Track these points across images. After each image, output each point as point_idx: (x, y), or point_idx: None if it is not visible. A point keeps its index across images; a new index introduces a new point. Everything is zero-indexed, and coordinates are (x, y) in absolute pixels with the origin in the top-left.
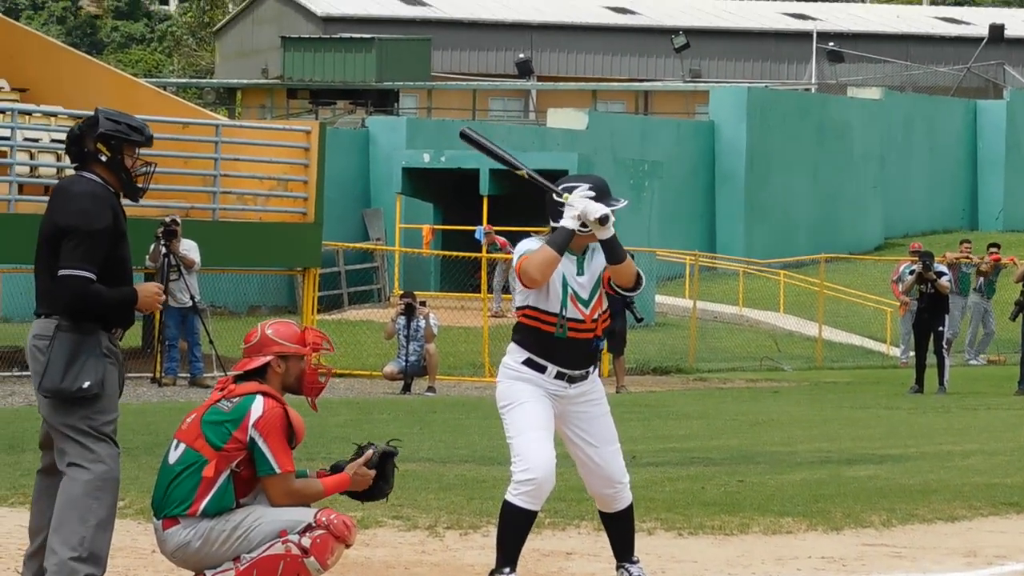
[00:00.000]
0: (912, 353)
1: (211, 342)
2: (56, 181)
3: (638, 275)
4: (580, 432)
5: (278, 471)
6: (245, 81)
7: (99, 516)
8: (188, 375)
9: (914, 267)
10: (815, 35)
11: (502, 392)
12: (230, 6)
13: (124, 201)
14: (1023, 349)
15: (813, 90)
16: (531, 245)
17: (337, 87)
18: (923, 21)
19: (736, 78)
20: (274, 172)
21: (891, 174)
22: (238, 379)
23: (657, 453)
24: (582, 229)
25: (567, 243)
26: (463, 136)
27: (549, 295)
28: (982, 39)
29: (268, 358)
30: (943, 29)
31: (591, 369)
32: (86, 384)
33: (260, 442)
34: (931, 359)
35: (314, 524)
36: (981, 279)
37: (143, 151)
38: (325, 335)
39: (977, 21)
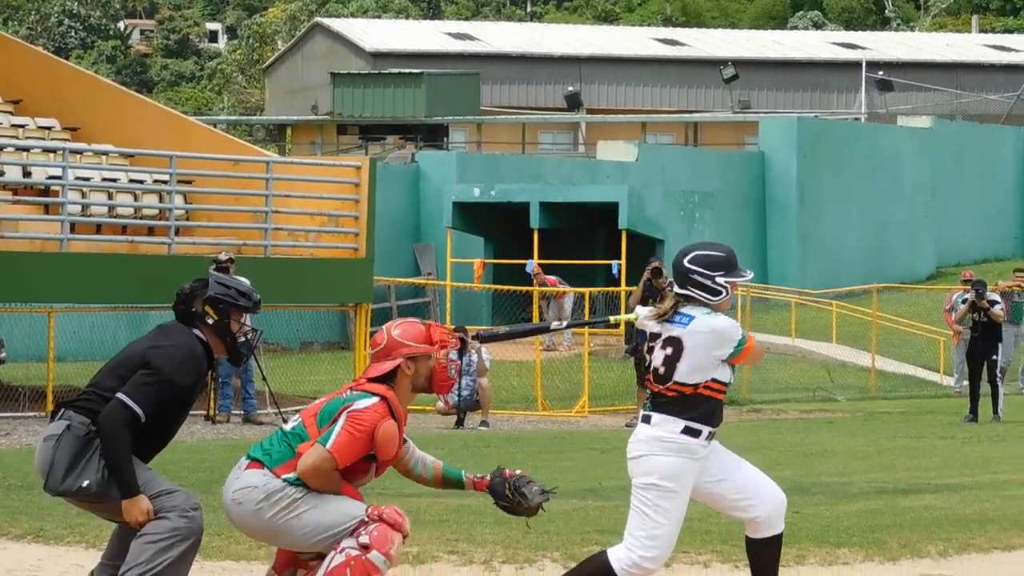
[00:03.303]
0: (966, 382)
1: (264, 379)
2: (107, 218)
3: None
4: (714, 474)
5: (326, 446)
6: (295, 117)
7: (171, 556)
8: (242, 412)
9: (967, 296)
10: (864, 64)
11: (669, 468)
12: (279, 43)
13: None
14: None
15: (863, 119)
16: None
17: (387, 122)
18: (973, 49)
19: (786, 108)
20: (325, 208)
21: (942, 203)
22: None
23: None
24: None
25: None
26: (478, 338)
27: (728, 367)
28: None
29: (398, 361)
30: (993, 57)
31: None
32: (85, 483)
33: (340, 422)
34: (985, 388)
35: (367, 519)
36: None
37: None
38: (448, 330)
39: None
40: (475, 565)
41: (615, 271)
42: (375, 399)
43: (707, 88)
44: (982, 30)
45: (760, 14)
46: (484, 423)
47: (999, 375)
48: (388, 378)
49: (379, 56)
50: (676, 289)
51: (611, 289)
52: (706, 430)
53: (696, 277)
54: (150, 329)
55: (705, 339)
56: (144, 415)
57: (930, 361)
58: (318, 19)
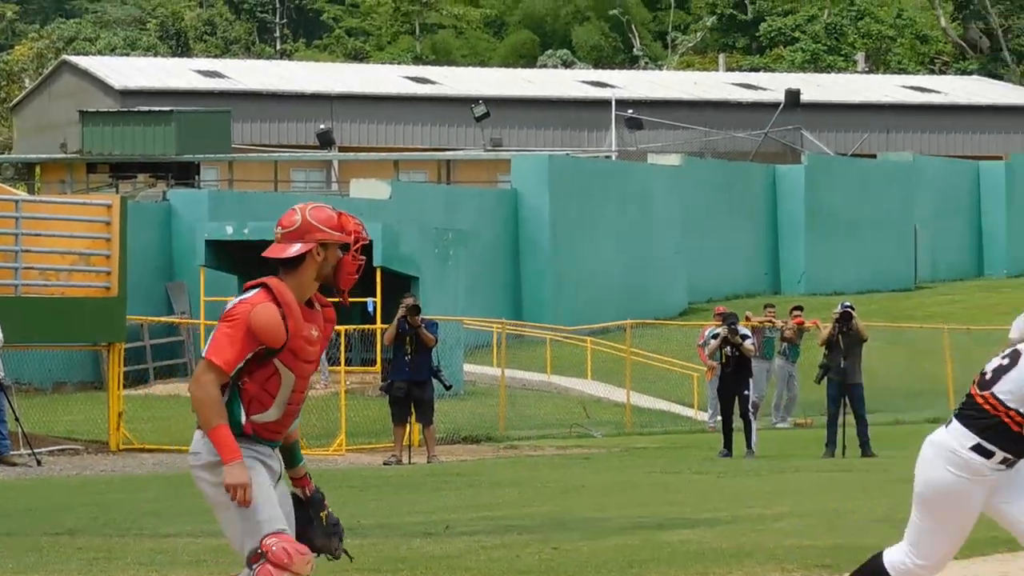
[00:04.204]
0: (720, 417)
1: (17, 419)
2: None
3: None
4: (1005, 496)
5: (203, 355)
6: (44, 156)
7: None
8: None
9: (718, 330)
10: (614, 103)
11: (945, 486)
12: (27, 81)
13: None
14: (829, 412)
15: (614, 157)
16: None
17: (137, 160)
18: (720, 87)
19: (537, 146)
20: (76, 247)
21: (693, 239)
22: (271, 263)
23: (471, 522)
24: None
25: None
26: None
27: None
28: (779, 104)
29: (310, 246)
30: (740, 95)
31: None
32: None
33: (217, 327)
34: (739, 422)
35: (260, 550)
36: (785, 343)
37: None
38: (361, 223)
39: (773, 87)
40: None
41: (370, 309)
42: (253, 291)
43: (459, 126)
44: (729, 68)
45: (510, 52)
46: None
47: (752, 410)
48: (292, 263)
49: (128, 94)
50: None
51: (367, 327)
52: (1000, 454)
53: None
54: None
55: None
56: None
57: (684, 396)
58: (65, 57)
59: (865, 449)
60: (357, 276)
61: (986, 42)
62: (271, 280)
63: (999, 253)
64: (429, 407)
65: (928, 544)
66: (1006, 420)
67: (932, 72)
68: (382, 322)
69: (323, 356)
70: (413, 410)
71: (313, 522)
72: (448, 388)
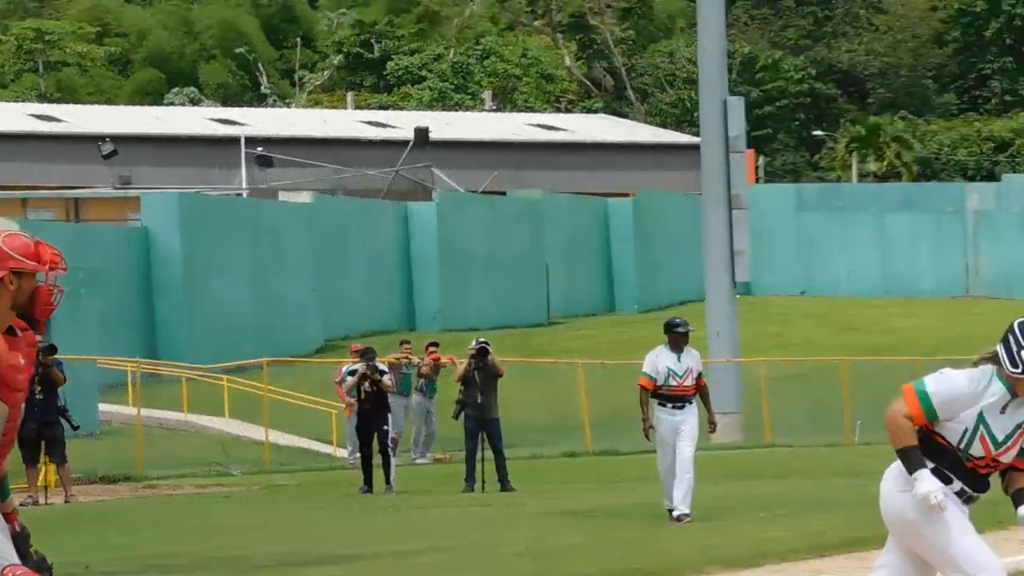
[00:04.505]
0: (359, 453)
1: None
2: None
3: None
4: None
5: None
6: None
7: None
8: None
9: (356, 367)
10: (243, 140)
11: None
12: None
13: None
14: (467, 447)
15: (245, 195)
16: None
17: None
18: (350, 125)
19: (168, 184)
20: None
21: (327, 276)
22: None
23: (112, 562)
24: None
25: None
26: None
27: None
28: (408, 142)
29: (2, 274)
30: (370, 133)
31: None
32: None
33: None
34: (378, 459)
35: None
36: (422, 379)
37: None
38: (60, 252)
39: (403, 125)
40: None
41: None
42: None
43: (87, 163)
44: (357, 107)
45: (136, 90)
46: None
47: (391, 446)
48: None
49: None
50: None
51: None
52: (957, 484)
53: (1010, 338)
54: None
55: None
56: None
57: (323, 433)
58: None
59: (504, 483)
60: (55, 306)
61: (610, 81)
62: None
63: (629, 288)
64: (61, 446)
65: (966, 557)
66: (937, 438)
67: (559, 110)
68: None
69: None
70: (45, 450)
71: (26, 558)
72: (76, 428)
